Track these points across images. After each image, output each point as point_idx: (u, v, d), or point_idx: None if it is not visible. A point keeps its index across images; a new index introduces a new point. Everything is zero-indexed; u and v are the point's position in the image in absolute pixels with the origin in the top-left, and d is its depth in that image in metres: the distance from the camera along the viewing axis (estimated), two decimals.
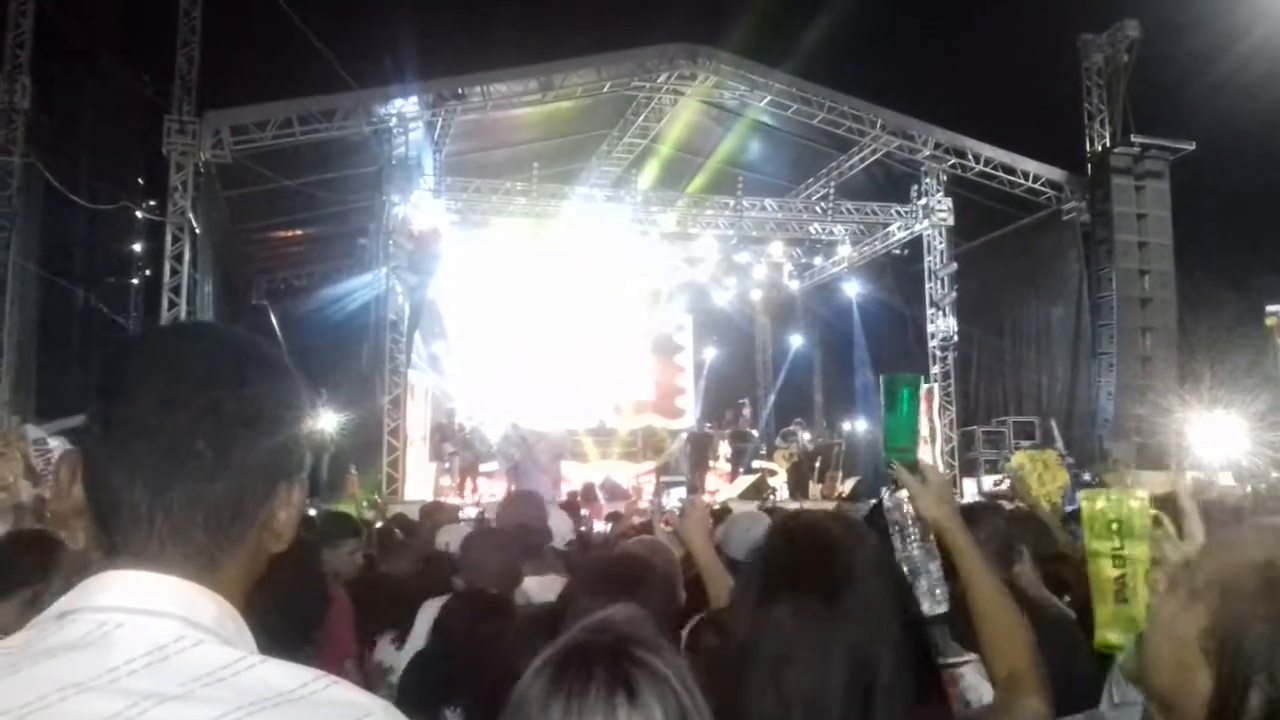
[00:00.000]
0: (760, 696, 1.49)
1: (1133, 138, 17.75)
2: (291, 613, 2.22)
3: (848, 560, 1.58)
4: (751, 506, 9.04)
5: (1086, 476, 15.44)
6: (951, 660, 2.22)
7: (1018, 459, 17.12)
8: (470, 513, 9.89)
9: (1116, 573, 1.76)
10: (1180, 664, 1.15)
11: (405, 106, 16.95)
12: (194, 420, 0.96)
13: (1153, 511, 1.71)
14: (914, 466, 1.94)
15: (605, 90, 18.28)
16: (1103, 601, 1.78)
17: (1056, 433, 17.66)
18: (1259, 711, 1.05)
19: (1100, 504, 1.81)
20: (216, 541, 0.97)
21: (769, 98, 18.41)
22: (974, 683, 2.22)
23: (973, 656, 2.14)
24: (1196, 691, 1.12)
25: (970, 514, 2.46)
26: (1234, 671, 1.08)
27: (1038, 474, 7.53)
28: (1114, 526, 1.77)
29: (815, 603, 1.52)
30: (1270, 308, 17.70)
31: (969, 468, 18.90)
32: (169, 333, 1.15)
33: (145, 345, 1.07)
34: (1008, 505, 5.84)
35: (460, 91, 17.26)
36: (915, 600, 1.75)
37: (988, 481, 17.64)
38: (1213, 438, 16.54)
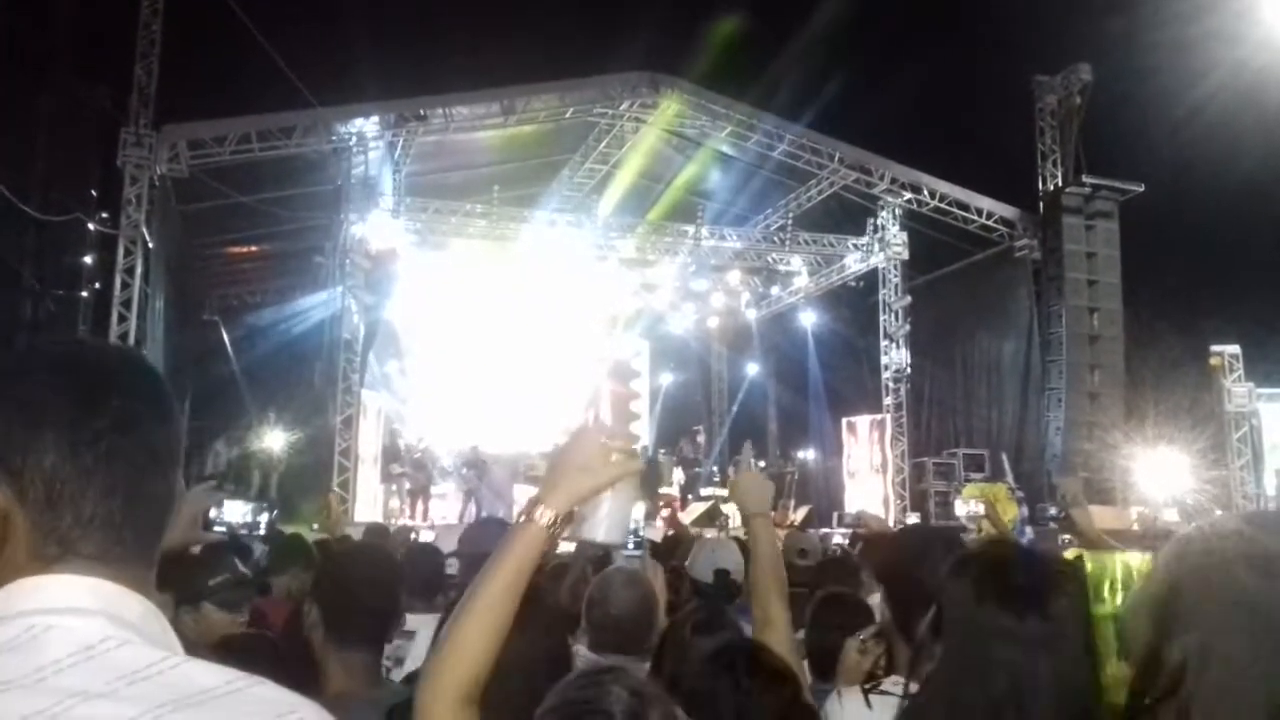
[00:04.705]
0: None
1: (1084, 178, 18.12)
2: None
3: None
4: (708, 533, 9.03)
5: (1053, 511, 15.61)
6: None
7: (969, 491, 17.34)
8: (428, 536, 9.70)
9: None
10: None
11: (365, 126, 16.91)
12: (79, 439, 0.96)
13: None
14: None
15: (568, 116, 18.36)
16: None
17: (1007, 466, 17.87)
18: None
19: (1089, 564, 1.81)
20: (127, 546, 0.98)
21: (729, 128, 18.60)
22: None
23: None
24: None
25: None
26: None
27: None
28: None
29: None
30: (1215, 348, 18.15)
31: (919, 499, 19.06)
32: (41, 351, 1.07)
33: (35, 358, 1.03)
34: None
35: (421, 113, 17.25)
36: None
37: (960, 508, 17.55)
38: (1158, 474, 16.87)
